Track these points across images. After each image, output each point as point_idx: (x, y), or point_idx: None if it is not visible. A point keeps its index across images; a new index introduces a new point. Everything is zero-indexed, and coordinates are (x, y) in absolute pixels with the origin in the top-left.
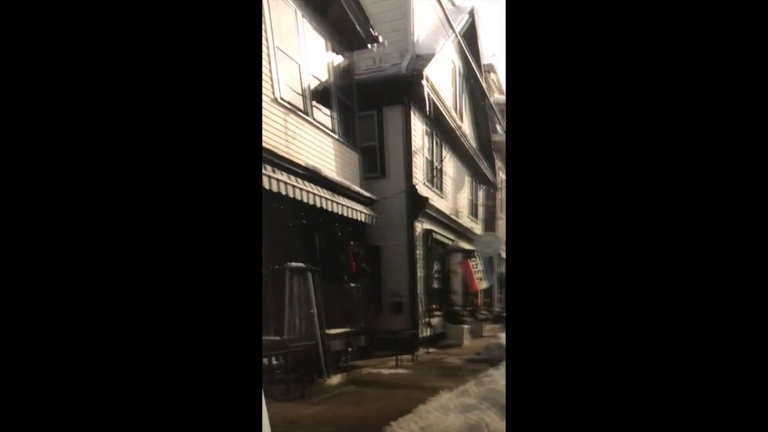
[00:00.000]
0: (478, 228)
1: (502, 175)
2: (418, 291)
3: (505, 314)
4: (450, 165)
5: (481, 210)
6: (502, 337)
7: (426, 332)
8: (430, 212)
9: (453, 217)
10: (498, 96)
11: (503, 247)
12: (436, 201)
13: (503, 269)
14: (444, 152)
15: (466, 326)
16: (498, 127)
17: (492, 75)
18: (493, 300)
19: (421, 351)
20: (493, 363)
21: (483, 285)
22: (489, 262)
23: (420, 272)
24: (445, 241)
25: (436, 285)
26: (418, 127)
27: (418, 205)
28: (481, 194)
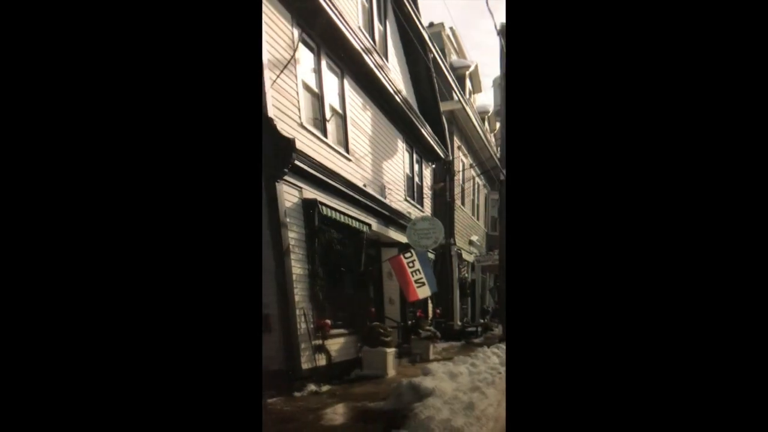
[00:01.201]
0: (419, 215)
1: (463, 158)
2: (296, 299)
3: (474, 329)
4: (365, 117)
5: (429, 193)
6: (455, 364)
7: (316, 361)
8: (317, 173)
9: (373, 193)
10: (457, 59)
11: (453, 241)
12: (334, 162)
13: (473, 271)
14: (350, 95)
15: (390, 350)
16: (455, 95)
17: (450, 35)
18: (454, 310)
19: (307, 390)
20: (400, 416)
21: (424, 292)
22: (427, 260)
23: (300, 269)
24: (355, 225)
25: (341, 289)
26: (286, 28)
27: (279, 152)
28: (427, 173)
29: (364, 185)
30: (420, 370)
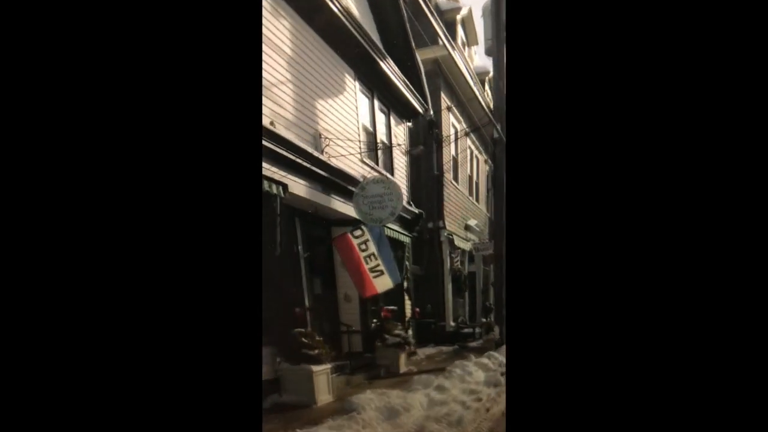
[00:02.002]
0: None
1: (455, 123)
2: None
3: (470, 330)
4: (287, 35)
5: (399, 158)
6: (411, 389)
7: None
8: None
9: (292, 139)
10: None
11: (443, 224)
12: None
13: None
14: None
15: (319, 368)
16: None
17: None
18: (446, 308)
19: None
20: None
21: (383, 284)
22: (386, 241)
23: None
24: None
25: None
26: None
27: None
28: (399, 131)
29: (272, 123)
30: (355, 400)
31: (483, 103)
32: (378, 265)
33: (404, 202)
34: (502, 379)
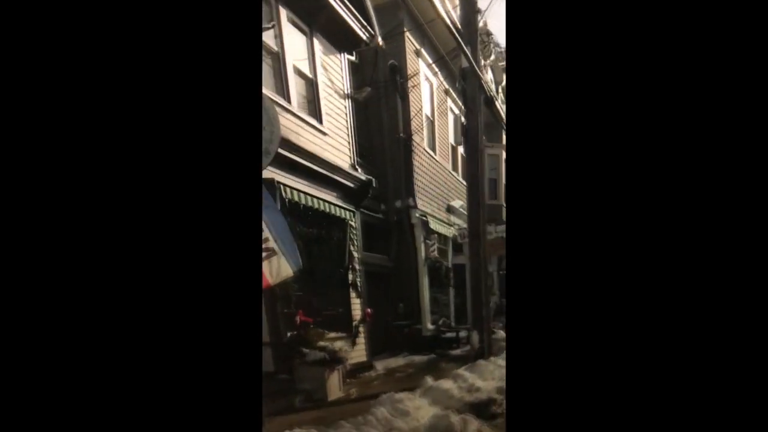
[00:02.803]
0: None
1: (430, 76)
2: None
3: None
4: None
5: (334, 102)
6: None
7: None
8: None
9: None
10: None
11: (414, 202)
12: None
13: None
14: None
15: None
16: None
17: None
18: (422, 307)
19: None
20: None
21: (281, 270)
22: (275, 208)
23: None
24: None
25: None
26: None
27: None
28: (333, 64)
29: None
30: None
31: (447, 22)
32: (268, 240)
33: (279, 132)
34: (464, 422)
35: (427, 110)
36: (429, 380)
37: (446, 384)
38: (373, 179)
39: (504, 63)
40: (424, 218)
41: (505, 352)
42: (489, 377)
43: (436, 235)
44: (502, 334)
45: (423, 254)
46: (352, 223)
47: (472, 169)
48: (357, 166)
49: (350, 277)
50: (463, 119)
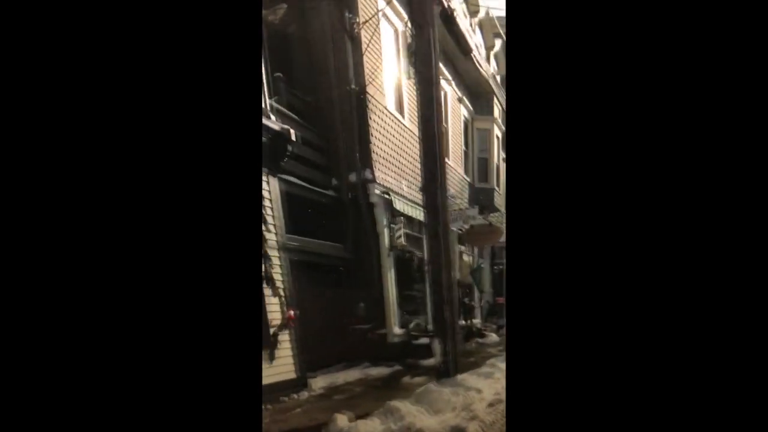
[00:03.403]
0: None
1: (393, 15)
2: None
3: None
4: None
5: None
6: None
7: None
8: None
9: None
10: None
11: (372, 175)
12: None
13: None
14: None
15: None
16: None
17: None
18: (387, 308)
19: None
20: None
21: None
22: None
23: None
24: None
25: None
26: None
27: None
28: None
29: None
30: None
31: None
32: None
33: None
34: None
35: (384, 54)
36: (343, 418)
37: (371, 423)
38: (291, 130)
39: (497, 28)
40: (386, 196)
41: (481, 367)
42: (443, 410)
43: (402, 219)
44: (493, 337)
45: (387, 242)
46: (264, 194)
47: (425, 112)
48: (271, 113)
49: (263, 268)
50: (409, 37)
